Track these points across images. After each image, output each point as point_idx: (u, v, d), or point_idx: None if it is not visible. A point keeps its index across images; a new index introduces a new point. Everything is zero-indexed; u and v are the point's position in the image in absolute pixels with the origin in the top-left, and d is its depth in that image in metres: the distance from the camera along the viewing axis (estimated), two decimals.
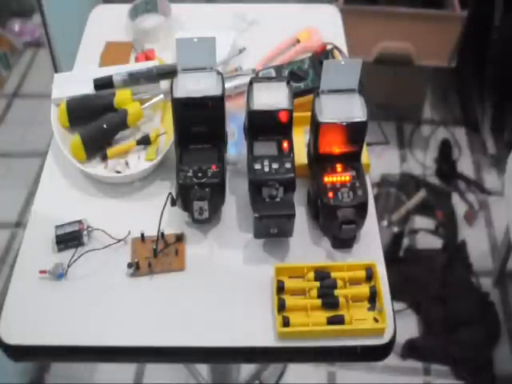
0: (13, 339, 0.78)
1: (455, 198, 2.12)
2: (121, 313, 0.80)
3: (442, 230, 2.02)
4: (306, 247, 0.87)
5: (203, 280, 0.83)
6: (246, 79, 0.90)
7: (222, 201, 0.88)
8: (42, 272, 0.82)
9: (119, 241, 0.86)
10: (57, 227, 0.87)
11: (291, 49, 1.13)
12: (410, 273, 1.88)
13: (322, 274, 0.81)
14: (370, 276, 0.81)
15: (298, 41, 1.14)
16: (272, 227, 0.82)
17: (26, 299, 0.81)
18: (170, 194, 0.87)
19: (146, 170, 0.93)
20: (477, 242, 1.99)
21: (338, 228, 0.82)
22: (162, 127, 0.99)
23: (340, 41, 1.14)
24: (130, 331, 0.79)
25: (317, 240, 0.87)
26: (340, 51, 1.04)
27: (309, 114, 0.84)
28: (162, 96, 0.99)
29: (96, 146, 0.95)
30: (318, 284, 0.80)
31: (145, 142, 0.96)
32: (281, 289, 0.80)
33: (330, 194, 0.83)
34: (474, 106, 2.34)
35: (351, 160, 0.85)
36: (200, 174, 0.84)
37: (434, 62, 2.13)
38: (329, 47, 1.04)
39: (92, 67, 1.08)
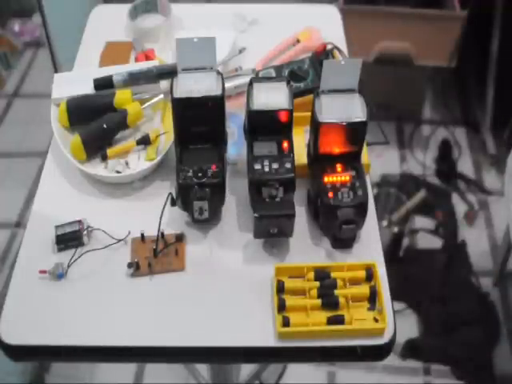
0: (13, 339, 0.78)
1: (455, 198, 2.12)
2: (121, 313, 0.80)
3: (442, 230, 2.02)
4: (306, 247, 0.87)
5: (203, 280, 0.83)
6: (246, 79, 0.90)
7: (222, 201, 0.88)
8: (41, 272, 0.82)
9: (119, 241, 0.86)
10: (57, 227, 0.87)
11: (291, 49, 1.13)
12: (410, 273, 1.88)
13: (322, 274, 0.81)
14: (370, 276, 0.81)
15: (298, 41, 1.14)
16: (272, 227, 0.82)
17: (26, 299, 0.81)
18: (170, 194, 0.87)
19: (145, 170, 0.93)
20: (477, 242, 1.99)
21: (338, 228, 0.82)
22: (162, 127, 0.99)
23: (340, 41, 1.14)
24: (130, 331, 0.79)
25: (317, 240, 0.87)
26: (340, 51, 1.04)
27: (309, 114, 0.84)
28: (161, 96, 0.99)
29: (96, 145, 0.95)
30: (317, 284, 0.80)
31: (145, 142, 0.96)
32: (281, 289, 0.80)
33: (330, 194, 0.83)
34: (474, 106, 2.35)
35: (351, 160, 0.85)
36: (200, 174, 0.84)
37: (434, 61, 2.13)
38: (329, 47, 1.04)
39: (92, 67, 1.08)
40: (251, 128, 0.85)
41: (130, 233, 0.87)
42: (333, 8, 1.26)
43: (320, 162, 0.85)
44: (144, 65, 1.02)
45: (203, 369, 1.41)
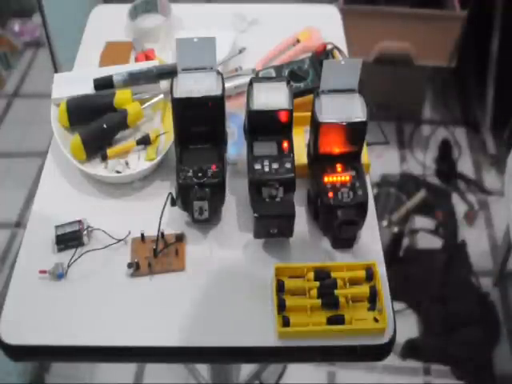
0: (13, 339, 0.78)
1: (455, 198, 2.12)
2: (121, 313, 0.80)
3: (442, 230, 2.02)
4: (306, 247, 0.87)
5: (203, 280, 0.83)
6: (246, 79, 0.90)
7: (222, 201, 0.88)
8: (41, 272, 0.82)
9: (119, 241, 0.86)
10: (57, 227, 0.87)
11: (291, 49, 1.13)
12: (410, 273, 1.88)
13: (322, 274, 0.81)
14: (370, 276, 0.81)
15: (298, 41, 1.14)
16: (272, 227, 0.82)
17: (26, 299, 0.81)
18: (170, 194, 0.87)
19: (145, 170, 0.93)
20: (477, 242, 1.99)
21: (338, 228, 0.82)
22: (162, 127, 0.99)
23: (340, 41, 1.14)
24: (130, 331, 0.79)
25: (317, 240, 0.87)
26: (340, 51, 1.04)
27: (309, 114, 0.84)
28: (161, 96, 0.99)
29: (96, 146, 0.95)
30: (317, 284, 0.80)
31: (145, 142, 0.96)
32: (281, 289, 0.80)
33: (330, 194, 0.83)
34: (474, 106, 2.35)
35: (351, 160, 0.85)
36: (200, 174, 0.84)
37: (434, 61, 2.13)
38: (329, 47, 1.04)
39: (92, 67, 1.08)
40: (251, 128, 0.85)
41: (130, 233, 0.87)
42: (333, 8, 1.26)
43: (320, 162, 0.85)
44: (144, 65, 1.02)
45: (203, 369, 1.41)
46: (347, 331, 0.78)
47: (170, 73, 0.95)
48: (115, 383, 1.67)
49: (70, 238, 0.86)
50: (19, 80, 2.56)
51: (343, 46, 1.11)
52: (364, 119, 0.82)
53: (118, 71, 1.01)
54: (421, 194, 2.08)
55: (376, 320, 0.79)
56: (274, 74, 1.00)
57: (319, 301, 0.79)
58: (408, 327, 1.79)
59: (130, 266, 0.83)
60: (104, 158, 0.95)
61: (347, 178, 0.84)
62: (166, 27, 1.16)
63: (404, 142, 2.30)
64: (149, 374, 1.71)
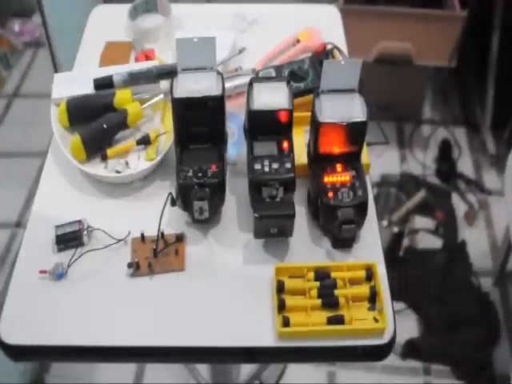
0: (13, 339, 0.78)
1: (455, 198, 2.12)
2: (121, 313, 0.80)
3: (442, 230, 2.02)
4: (306, 247, 0.87)
5: (203, 280, 0.83)
6: (246, 79, 0.90)
7: (221, 201, 0.88)
8: (41, 272, 0.83)
9: (119, 241, 0.86)
10: (57, 227, 0.87)
11: (291, 49, 1.13)
12: (410, 273, 1.88)
13: (322, 274, 0.81)
14: (370, 276, 0.81)
15: (298, 41, 1.14)
16: (272, 227, 0.82)
17: (26, 299, 0.81)
18: (170, 194, 0.87)
19: (145, 170, 0.93)
20: (477, 242, 1.99)
21: (338, 228, 0.82)
22: (162, 127, 0.99)
23: (340, 41, 1.14)
24: (130, 331, 0.79)
25: (317, 240, 0.87)
26: (340, 51, 1.04)
27: (309, 114, 0.84)
28: (161, 96, 0.99)
29: (96, 145, 0.95)
30: (318, 284, 0.80)
31: (145, 141, 0.96)
32: (281, 289, 0.80)
33: (330, 194, 0.83)
34: (474, 106, 2.35)
35: (351, 160, 0.85)
36: (200, 174, 0.84)
37: (434, 61, 2.13)
38: (329, 47, 1.04)
39: (92, 67, 1.08)
40: (251, 128, 0.85)
41: (129, 233, 0.87)
42: (333, 8, 1.26)
43: (320, 162, 0.85)
44: (144, 65, 1.02)
45: (203, 369, 1.41)
46: (347, 331, 0.78)
47: (169, 73, 0.95)
48: (115, 383, 1.67)
49: (70, 238, 0.86)
50: (19, 80, 2.56)
51: (343, 46, 1.11)
52: (364, 119, 0.82)
53: (118, 71, 1.01)
54: (421, 194, 2.08)
55: (376, 320, 0.79)
56: (274, 74, 1.00)
57: (319, 301, 0.79)
58: (408, 327, 1.79)
59: (129, 265, 0.83)
60: (104, 158, 0.95)
61: (347, 178, 0.84)
62: (166, 27, 1.16)
63: (404, 142, 2.30)
64: (149, 374, 1.71)
